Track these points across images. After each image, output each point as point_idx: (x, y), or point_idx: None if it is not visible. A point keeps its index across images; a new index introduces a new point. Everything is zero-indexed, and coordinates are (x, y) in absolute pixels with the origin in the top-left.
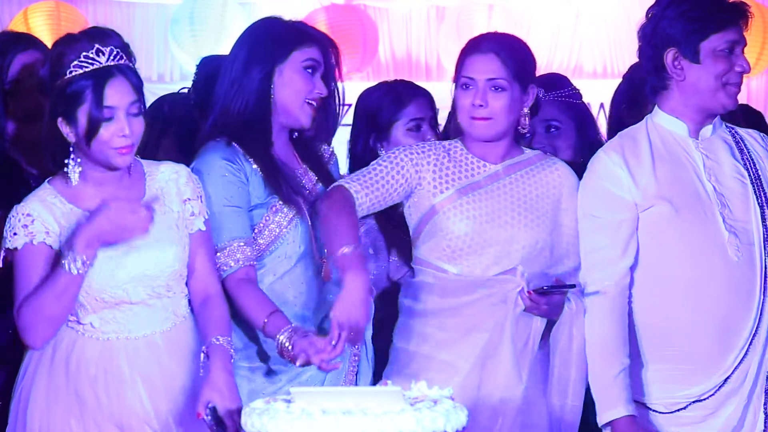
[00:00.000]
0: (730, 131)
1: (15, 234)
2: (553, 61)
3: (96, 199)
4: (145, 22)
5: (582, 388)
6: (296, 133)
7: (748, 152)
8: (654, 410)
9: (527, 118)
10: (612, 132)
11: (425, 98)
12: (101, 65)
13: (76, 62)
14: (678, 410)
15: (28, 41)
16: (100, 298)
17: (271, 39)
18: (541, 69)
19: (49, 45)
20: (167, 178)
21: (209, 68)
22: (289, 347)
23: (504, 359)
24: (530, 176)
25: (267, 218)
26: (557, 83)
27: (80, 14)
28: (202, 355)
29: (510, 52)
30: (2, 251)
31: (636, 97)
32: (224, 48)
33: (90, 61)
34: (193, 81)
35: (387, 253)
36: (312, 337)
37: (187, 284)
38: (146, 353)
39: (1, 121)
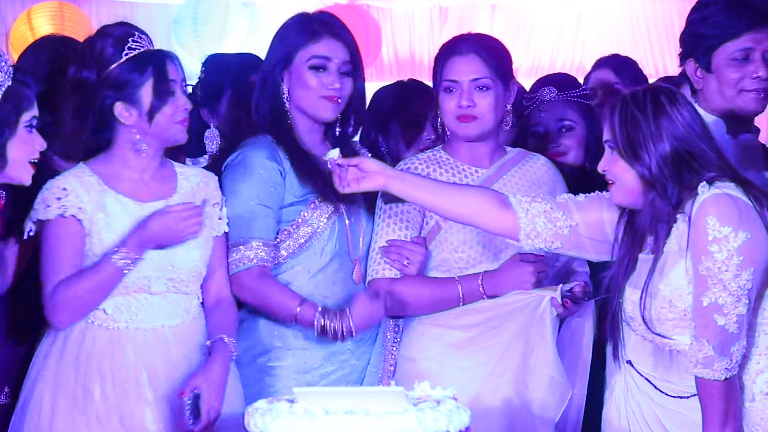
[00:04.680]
0: None
1: (48, 206)
2: (555, 61)
3: (132, 184)
4: (148, 22)
5: (587, 374)
6: (338, 131)
7: None
8: None
9: (510, 115)
10: None
11: (428, 96)
12: (148, 48)
13: (126, 50)
14: None
15: None
16: (122, 283)
17: (282, 41)
18: (544, 69)
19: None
20: (198, 180)
21: (214, 66)
22: (330, 326)
23: (546, 367)
24: (519, 174)
25: (305, 215)
26: (570, 83)
27: (83, 14)
28: (208, 342)
29: (489, 51)
30: (30, 224)
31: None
32: (227, 48)
33: (138, 44)
34: (199, 79)
35: None
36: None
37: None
38: (154, 344)
39: None
